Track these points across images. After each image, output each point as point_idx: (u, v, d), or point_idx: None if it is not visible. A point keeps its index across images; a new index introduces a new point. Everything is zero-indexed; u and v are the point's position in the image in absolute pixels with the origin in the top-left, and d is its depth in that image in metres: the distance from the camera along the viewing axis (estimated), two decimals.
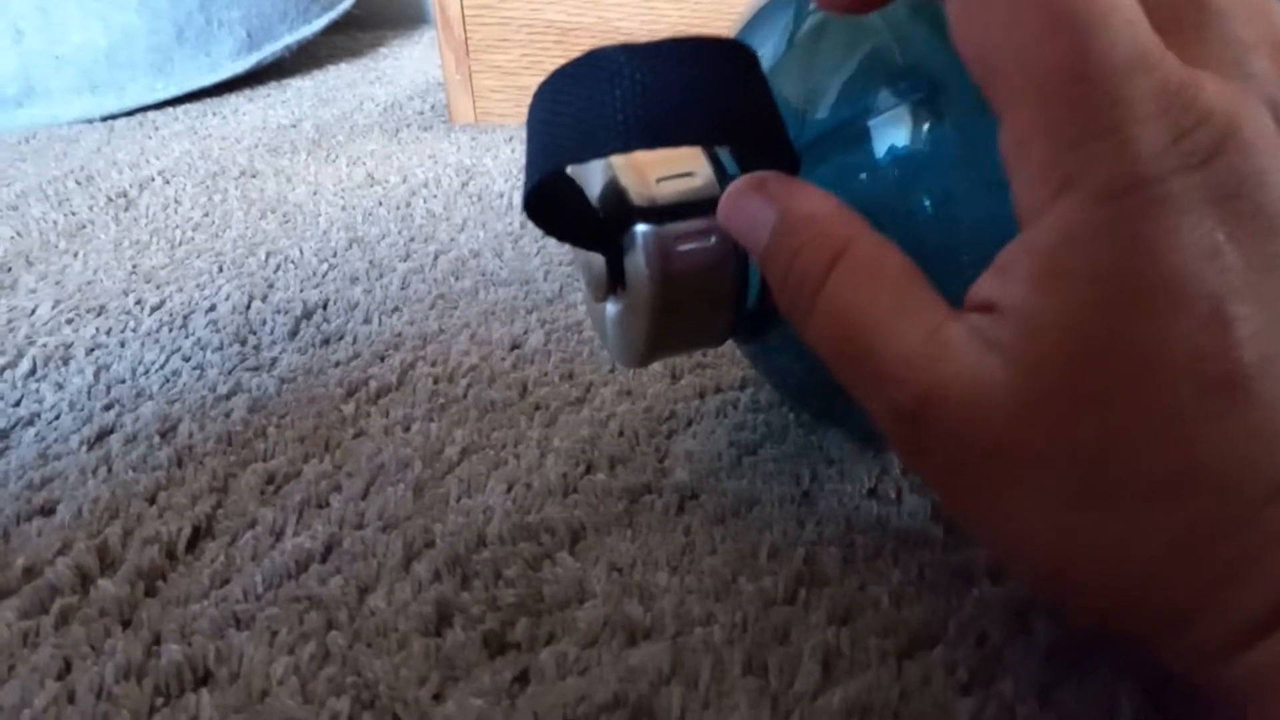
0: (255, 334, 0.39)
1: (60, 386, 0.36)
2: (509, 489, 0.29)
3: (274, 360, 0.37)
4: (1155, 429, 0.16)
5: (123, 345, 0.39)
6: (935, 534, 0.26)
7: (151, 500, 0.29)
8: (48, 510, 0.29)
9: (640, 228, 0.23)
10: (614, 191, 0.24)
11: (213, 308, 0.42)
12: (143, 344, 0.39)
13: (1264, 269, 0.15)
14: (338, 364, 0.36)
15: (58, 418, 0.34)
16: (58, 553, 0.27)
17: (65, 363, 0.38)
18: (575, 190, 0.25)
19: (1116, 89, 0.16)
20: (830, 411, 0.29)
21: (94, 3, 0.75)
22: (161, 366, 0.37)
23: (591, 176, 0.25)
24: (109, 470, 0.31)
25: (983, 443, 0.17)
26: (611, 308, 0.26)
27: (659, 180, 0.23)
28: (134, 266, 0.47)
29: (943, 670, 0.22)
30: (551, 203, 0.24)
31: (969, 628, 0.23)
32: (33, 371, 0.37)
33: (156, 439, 0.32)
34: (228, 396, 0.35)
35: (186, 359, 0.38)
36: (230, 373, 0.36)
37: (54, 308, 0.43)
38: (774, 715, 0.21)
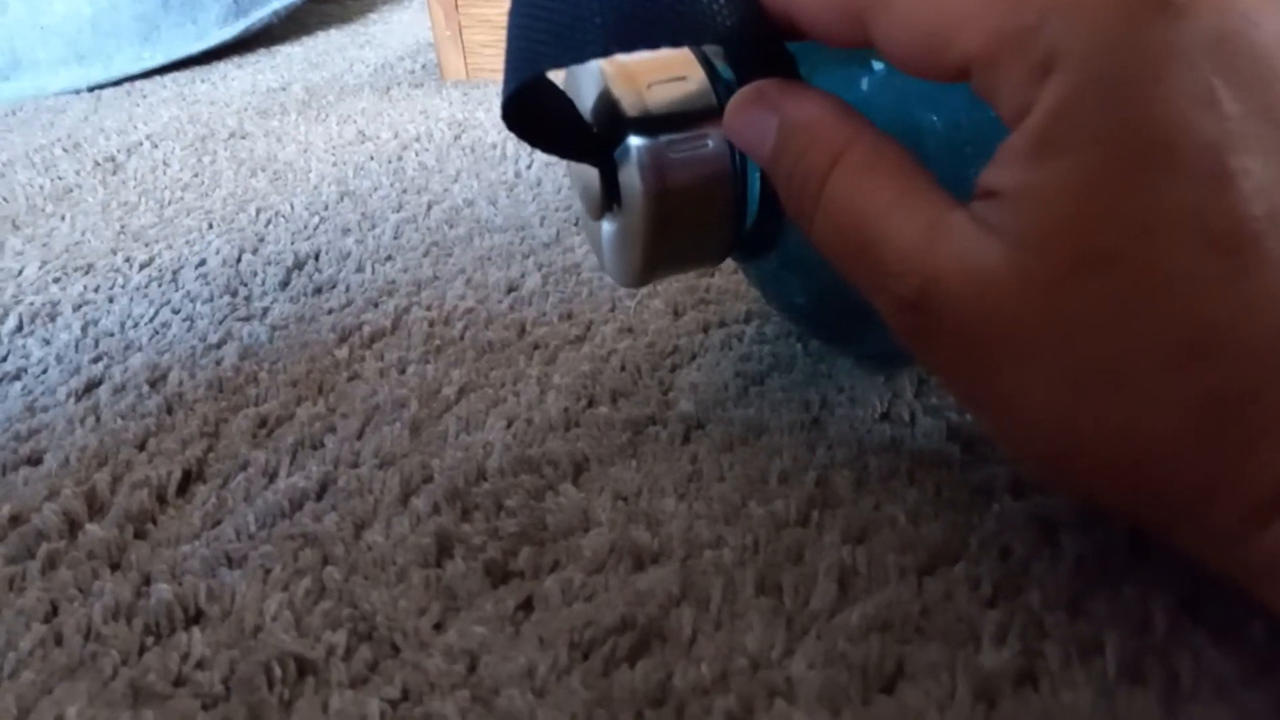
0: (246, 285, 0.38)
1: (47, 342, 0.35)
2: (509, 425, 0.28)
3: (265, 310, 0.36)
4: (1162, 295, 0.15)
5: (111, 301, 0.38)
6: (952, 453, 0.25)
7: (141, 447, 0.28)
8: (34, 460, 0.28)
9: (634, 140, 0.22)
10: (606, 103, 0.23)
11: (202, 262, 0.41)
12: (131, 299, 0.38)
13: (1265, 118, 0.14)
14: (330, 311, 0.35)
15: (44, 371, 0.33)
16: (44, 499, 0.26)
17: (52, 319, 0.37)
18: (564, 101, 0.24)
19: None
20: (839, 334, 0.28)
21: None
22: (151, 319, 0.36)
23: (583, 89, 0.24)
24: (97, 420, 0.30)
25: (986, 328, 0.17)
26: (608, 226, 0.24)
27: (651, 85, 0.22)
28: (122, 227, 0.46)
29: (966, 585, 0.21)
30: (536, 113, 0.23)
31: (991, 543, 0.22)
32: (19, 328, 0.36)
33: (145, 388, 0.31)
34: (218, 345, 0.34)
35: (176, 311, 0.37)
36: (221, 323, 0.35)
37: (41, 268, 0.42)
38: (789, 634, 0.20)
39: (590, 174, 0.24)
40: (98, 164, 0.55)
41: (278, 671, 0.20)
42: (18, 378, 0.33)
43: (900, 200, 0.18)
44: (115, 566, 0.24)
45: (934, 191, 0.18)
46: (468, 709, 0.19)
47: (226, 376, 0.31)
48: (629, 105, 0.22)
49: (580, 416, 0.28)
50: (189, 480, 0.27)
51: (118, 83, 0.75)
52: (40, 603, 0.23)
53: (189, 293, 0.38)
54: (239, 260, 0.40)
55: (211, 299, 0.37)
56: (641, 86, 0.22)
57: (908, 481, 0.24)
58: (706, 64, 0.23)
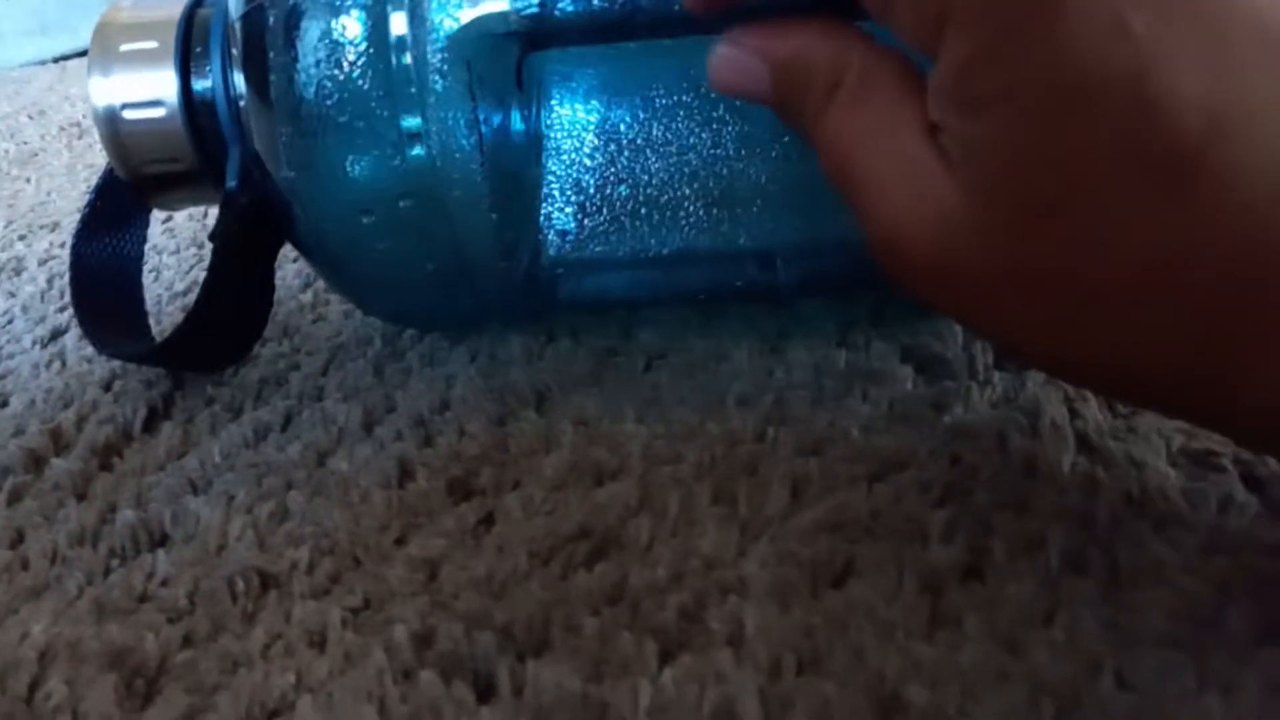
0: None
1: (12, 295, 0.35)
2: (472, 359, 0.28)
3: None
4: (1116, 232, 0.15)
5: None
6: (906, 373, 0.25)
7: (106, 388, 0.29)
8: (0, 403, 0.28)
9: None
10: None
11: (169, 218, 0.41)
12: None
13: (1189, 25, 0.14)
14: (295, 259, 0.36)
15: (10, 322, 0.33)
16: (10, 437, 0.26)
17: (18, 273, 0.37)
18: None
19: None
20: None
21: None
22: None
23: None
24: (63, 364, 0.30)
25: (957, 267, 0.17)
26: None
27: None
28: (88, 187, 0.46)
29: (915, 489, 0.21)
30: None
31: (942, 451, 0.22)
32: None
33: None
34: (184, 293, 0.34)
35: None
36: (187, 273, 0.35)
37: (6, 227, 0.42)
38: (743, 538, 0.20)
39: None
40: (63, 129, 0.55)
41: (241, 585, 0.20)
42: None
43: (877, 136, 0.18)
44: (81, 497, 0.24)
45: (911, 123, 0.17)
46: (428, 613, 0.19)
47: None
48: None
49: (543, 350, 0.28)
50: (154, 418, 0.27)
51: (83, 54, 0.74)
52: (5, 531, 0.23)
53: (155, 245, 0.38)
54: (205, 214, 0.40)
55: (178, 251, 0.37)
56: None
57: (861, 399, 0.25)
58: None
